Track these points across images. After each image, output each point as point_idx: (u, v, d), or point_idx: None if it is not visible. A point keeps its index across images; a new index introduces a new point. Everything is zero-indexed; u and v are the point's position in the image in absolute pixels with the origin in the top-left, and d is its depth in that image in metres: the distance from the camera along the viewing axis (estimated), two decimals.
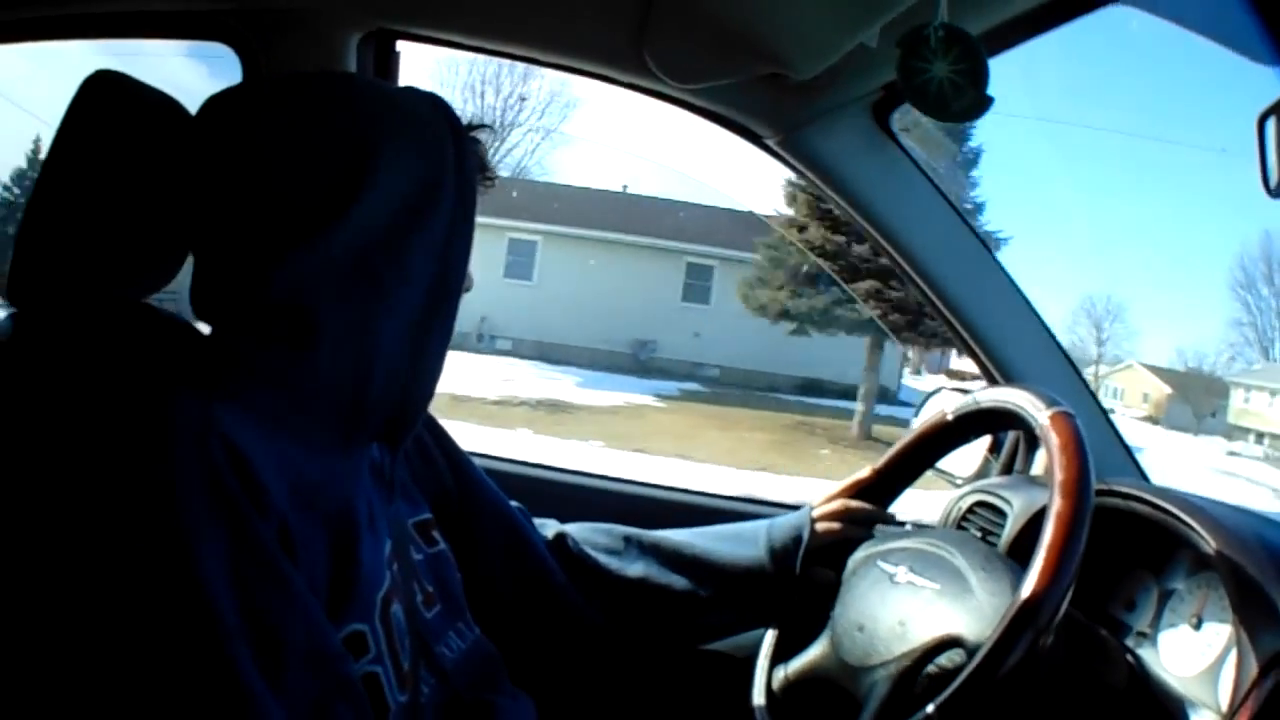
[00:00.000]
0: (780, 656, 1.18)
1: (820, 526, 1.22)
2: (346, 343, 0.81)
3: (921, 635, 0.98)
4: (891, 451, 1.28)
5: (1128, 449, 1.42)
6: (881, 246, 1.52)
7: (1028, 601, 0.88)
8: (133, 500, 0.66)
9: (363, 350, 0.82)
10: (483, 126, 0.94)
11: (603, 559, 1.20)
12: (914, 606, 1.03)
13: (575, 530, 1.24)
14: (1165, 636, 1.11)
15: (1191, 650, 1.06)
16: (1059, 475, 0.95)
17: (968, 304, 1.51)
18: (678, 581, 1.19)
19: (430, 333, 0.86)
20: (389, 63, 1.52)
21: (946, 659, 0.95)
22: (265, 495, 0.71)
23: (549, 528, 1.24)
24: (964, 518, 1.32)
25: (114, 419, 0.70)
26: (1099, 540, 1.22)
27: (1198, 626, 1.07)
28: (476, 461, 1.22)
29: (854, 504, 1.25)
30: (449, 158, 0.87)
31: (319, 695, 0.70)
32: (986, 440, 1.41)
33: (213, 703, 0.64)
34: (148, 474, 0.67)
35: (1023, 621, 0.87)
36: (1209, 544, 1.02)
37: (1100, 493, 1.21)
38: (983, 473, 1.42)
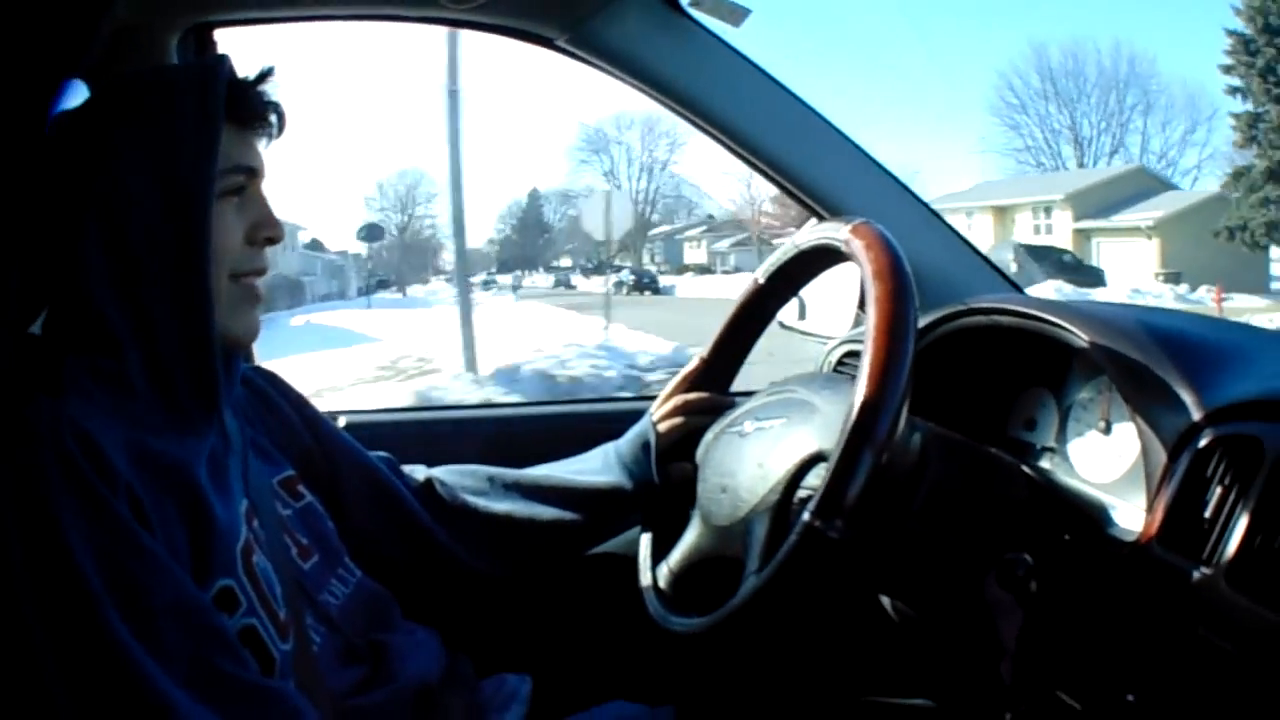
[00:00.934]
0: (659, 555, 1.16)
1: (663, 427, 1.24)
2: (136, 339, 0.87)
3: (781, 466, 0.96)
4: (715, 335, 1.26)
5: (994, 267, 1.41)
6: (694, 123, 1.49)
7: (869, 379, 0.85)
8: (6, 492, 0.74)
9: (146, 339, 0.87)
10: (264, 76, 0.97)
11: (471, 499, 1.23)
12: (766, 446, 1.01)
13: (443, 474, 1.26)
14: (1075, 446, 1.11)
15: (1107, 455, 1.05)
16: (870, 267, 0.92)
17: (791, 158, 1.48)
18: (544, 512, 1.22)
19: (188, 293, 0.88)
20: (206, 53, 1.51)
21: (814, 477, 0.93)
22: (114, 473, 0.78)
23: (419, 473, 1.26)
24: (835, 371, 1.29)
25: None
26: (985, 363, 1.21)
27: (1107, 431, 1.06)
28: (345, 418, 1.32)
29: (690, 396, 1.26)
30: (187, 122, 0.88)
31: (194, 649, 0.76)
32: (855, 296, 1.37)
33: (91, 666, 0.71)
34: (14, 468, 0.75)
35: (877, 393, 0.84)
36: (1083, 338, 1.00)
37: (963, 313, 1.19)
38: (857, 326, 1.38)
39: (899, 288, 0.90)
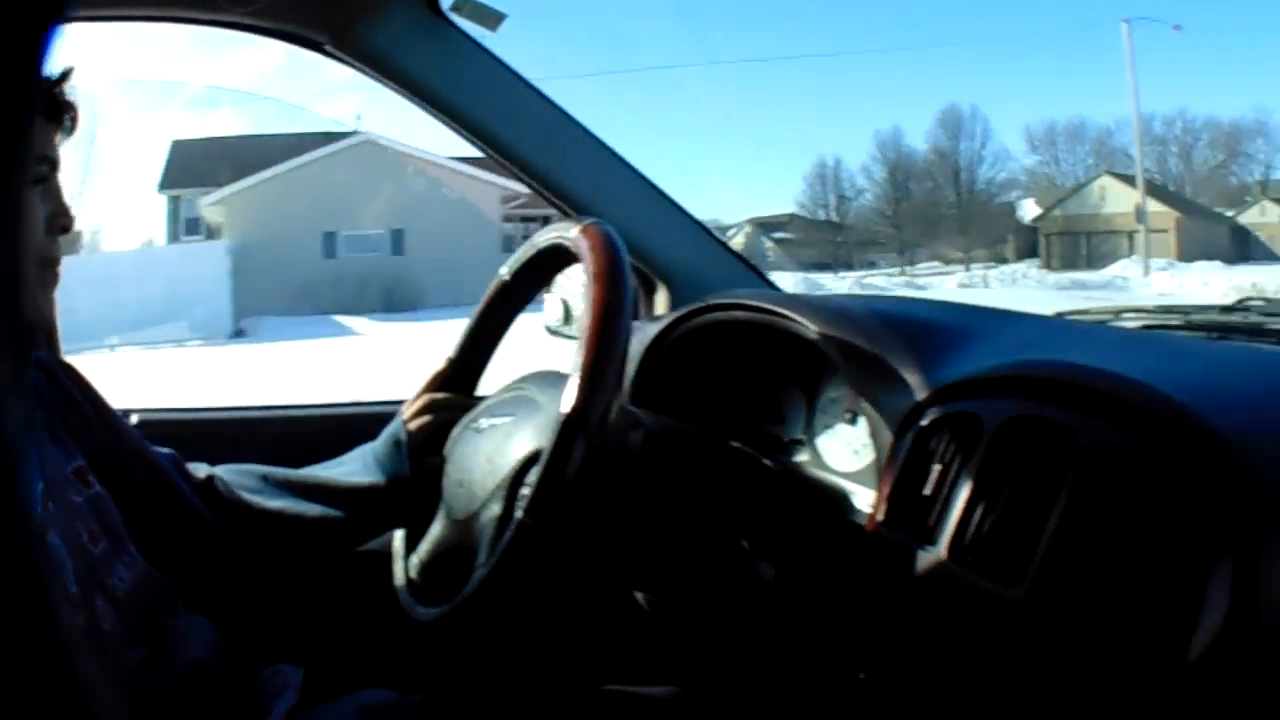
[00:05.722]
0: (411, 548, 1.19)
1: (412, 426, 1.28)
2: None
3: (507, 462, 1.00)
4: (461, 335, 1.28)
5: (749, 265, 1.43)
6: (450, 125, 1.51)
7: (582, 377, 0.89)
8: None
9: None
10: (65, 75, 1.01)
11: (247, 496, 1.28)
12: (496, 442, 1.06)
13: (223, 472, 1.31)
14: (823, 439, 1.12)
15: (852, 445, 1.06)
16: (592, 270, 0.94)
17: (540, 159, 1.51)
18: (310, 509, 1.27)
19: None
20: None
21: (534, 473, 0.94)
22: None
23: (201, 470, 1.31)
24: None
25: None
26: (741, 361, 1.22)
27: (853, 421, 1.07)
28: (137, 415, 1.38)
29: (438, 396, 1.30)
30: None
31: None
32: None
33: None
34: None
35: (585, 393, 0.88)
36: (812, 329, 1.02)
37: (702, 309, 1.21)
38: None
39: (614, 290, 0.92)
